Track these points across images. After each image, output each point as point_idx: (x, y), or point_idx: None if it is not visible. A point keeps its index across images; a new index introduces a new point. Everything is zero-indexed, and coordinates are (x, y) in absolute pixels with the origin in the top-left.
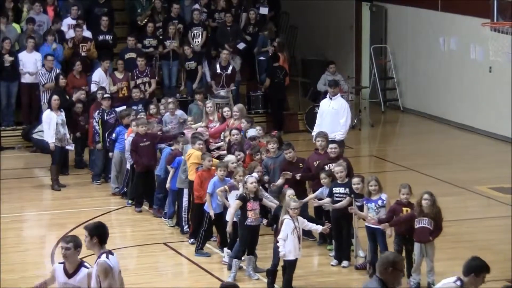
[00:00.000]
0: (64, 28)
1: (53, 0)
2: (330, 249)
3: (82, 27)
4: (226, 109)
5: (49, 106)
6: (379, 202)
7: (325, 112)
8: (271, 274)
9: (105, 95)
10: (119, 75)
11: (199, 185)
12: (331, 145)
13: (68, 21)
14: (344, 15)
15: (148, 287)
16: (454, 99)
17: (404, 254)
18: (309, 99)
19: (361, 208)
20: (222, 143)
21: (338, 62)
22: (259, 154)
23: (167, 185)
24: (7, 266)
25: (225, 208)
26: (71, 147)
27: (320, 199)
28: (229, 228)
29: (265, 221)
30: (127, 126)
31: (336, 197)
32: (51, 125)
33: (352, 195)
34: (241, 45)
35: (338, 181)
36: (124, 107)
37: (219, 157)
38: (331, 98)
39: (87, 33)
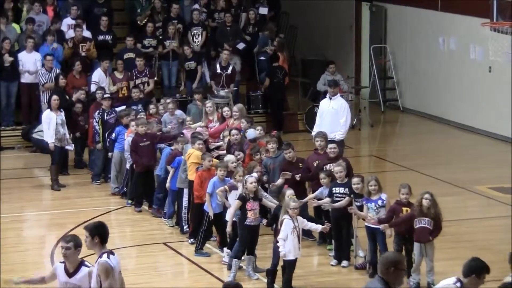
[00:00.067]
0: (63, 28)
1: (53, 0)
2: (329, 249)
3: (82, 27)
4: (226, 109)
5: (49, 106)
6: (379, 202)
7: (325, 112)
8: (270, 274)
9: (105, 95)
10: (119, 75)
11: (199, 185)
12: (330, 145)
13: (68, 21)
14: (343, 15)
15: (148, 287)
16: (454, 99)
17: (403, 254)
18: (309, 99)
19: (361, 208)
20: (221, 142)
21: (338, 62)
22: (259, 154)
23: (167, 184)
24: (7, 266)
25: (225, 208)
26: (70, 147)
27: (319, 199)
28: (228, 228)
29: (264, 221)
30: (126, 126)
31: (336, 197)
32: (50, 125)
33: (352, 195)
34: (241, 45)
35: (338, 181)
36: (124, 107)
37: (219, 157)
38: (331, 98)
39: (87, 33)
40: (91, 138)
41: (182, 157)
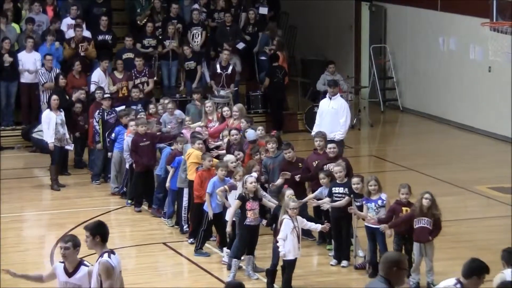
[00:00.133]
0: (63, 28)
1: (53, 0)
2: (329, 249)
3: (81, 27)
4: (225, 108)
5: (49, 106)
6: (379, 202)
7: (324, 112)
8: (270, 274)
9: (105, 95)
10: (119, 75)
11: (199, 185)
12: (329, 145)
13: (68, 21)
14: (343, 15)
15: (148, 287)
16: (454, 99)
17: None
18: (309, 99)
19: (360, 208)
20: (220, 142)
21: (338, 62)
22: (258, 154)
23: (167, 184)
24: (7, 266)
25: (225, 208)
26: (70, 147)
27: (319, 199)
28: (228, 228)
29: (264, 221)
30: (126, 126)
31: (336, 197)
32: (50, 125)
33: (352, 195)
34: (241, 45)
35: (337, 181)
36: (124, 107)
37: (218, 157)
38: (330, 98)
39: (86, 33)
40: (91, 138)
41: (182, 157)
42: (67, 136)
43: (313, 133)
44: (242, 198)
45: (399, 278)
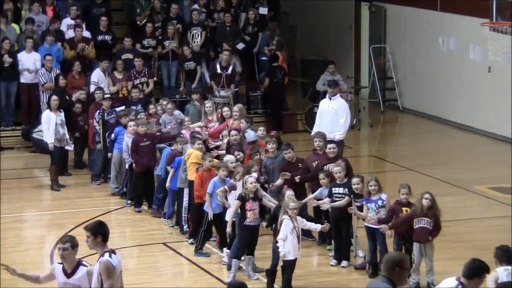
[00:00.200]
0: (63, 28)
1: (52, 0)
2: (329, 249)
3: (81, 27)
4: (225, 109)
5: (48, 106)
6: (379, 202)
7: (324, 112)
8: (270, 274)
9: (106, 95)
10: (119, 75)
11: (200, 185)
12: (329, 145)
13: (67, 21)
14: (343, 15)
15: (148, 287)
16: (454, 99)
17: None
18: (308, 99)
19: (360, 208)
20: (220, 142)
21: (338, 62)
22: (258, 155)
23: (167, 184)
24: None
25: (225, 208)
26: (70, 147)
27: (319, 200)
28: (228, 228)
29: (264, 224)
30: (126, 126)
31: (335, 197)
32: (50, 125)
33: (352, 195)
34: (240, 45)
35: (337, 181)
36: (123, 107)
37: (218, 157)
38: (330, 98)
39: (86, 33)
40: (91, 138)
41: (182, 157)
42: (67, 136)
43: (313, 133)
44: (242, 198)
45: (401, 278)
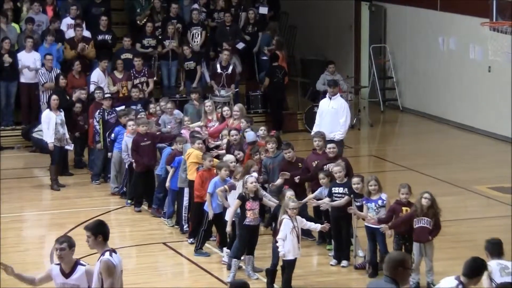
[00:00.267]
0: (63, 27)
1: (52, 0)
2: (329, 249)
3: (82, 27)
4: (226, 108)
5: (48, 106)
6: (379, 202)
7: (324, 112)
8: (270, 274)
9: (106, 95)
10: (119, 75)
11: (200, 185)
12: (329, 145)
13: (67, 20)
14: (343, 15)
15: (148, 287)
16: (454, 99)
17: None
18: (308, 98)
19: (360, 208)
20: (220, 142)
21: (338, 62)
22: (258, 154)
23: (167, 184)
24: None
25: (225, 208)
26: (70, 147)
27: (319, 199)
28: (228, 228)
29: (262, 228)
30: (125, 126)
31: (335, 197)
32: (50, 125)
33: (352, 195)
34: (240, 45)
35: (337, 181)
36: (123, 107)
37: (218, 157)
38: (330, 98)
39: (86, 33)
40: (91, 138)
41: (182, 156)
42: (67, 136)
43: (312, 133)
44: (242, 198)
45: (404, 278)
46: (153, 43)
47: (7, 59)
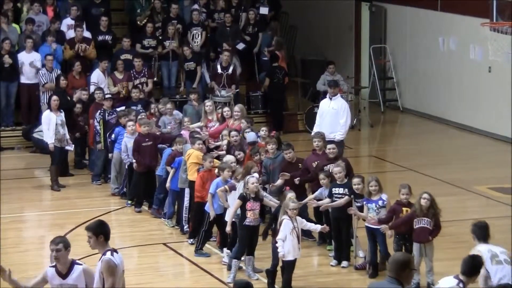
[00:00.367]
0: (63, 28)
1: (52, 0)
2: (329, 249)
3: (82, 27)
4: (226, 109)
5: (49, 107)
6: (380, 202)
7: (325, 112)
8: (270, 275)
9: (107, 96)
10: (119, 76)
11: (201, 185)
12: (329, 146)
13: (68, 21)
14: (343, 15)
15: (148, 287)
16: (454, 99)
17: None
18: (309, 99)
19: (361, 208)
20: (220, 142)
21: (338, 62)
22: (258, 155)
23: (167, 185)
24: (7, 266)
25: (226, 208)
26: (70, 147)
27: (319, 200)
28: (228, 228)
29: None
30: (125, 126)
31: (336, 197)
32: (50, 125)
33: (352, 195)
34: (241, 46)
35: (337, 182)
36: (123, 107)
37: (218, 157)
38: (330, 98)
39: (86, 34)
40: (92, 138)
41: (182, 157)
42: (67, 136)
43: (312, 133)
44: (243, 198)
45: (409, 279)
46: (153, 43)
47: (7, 59)
